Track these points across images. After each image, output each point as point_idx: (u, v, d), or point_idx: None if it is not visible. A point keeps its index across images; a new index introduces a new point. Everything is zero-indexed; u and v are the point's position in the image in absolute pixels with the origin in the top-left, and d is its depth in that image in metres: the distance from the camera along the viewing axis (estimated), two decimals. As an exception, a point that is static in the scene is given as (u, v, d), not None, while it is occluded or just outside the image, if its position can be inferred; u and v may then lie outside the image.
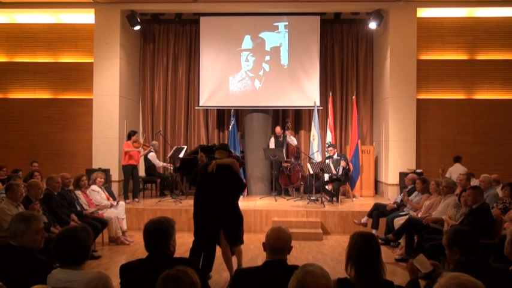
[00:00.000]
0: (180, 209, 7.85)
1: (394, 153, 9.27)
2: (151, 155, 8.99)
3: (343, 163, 8.71)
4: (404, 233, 5.77)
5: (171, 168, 9.46)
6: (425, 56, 9.67)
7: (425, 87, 9.64)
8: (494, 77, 9.66)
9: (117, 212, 6.72)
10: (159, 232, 2.53)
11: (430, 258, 2.64)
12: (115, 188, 9.00)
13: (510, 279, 2.55)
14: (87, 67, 9.81)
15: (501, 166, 9.19)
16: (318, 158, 9.30)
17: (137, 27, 9.71)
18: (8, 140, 10.06)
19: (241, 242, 4.93)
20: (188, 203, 8.19)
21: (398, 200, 6.94)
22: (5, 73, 10.07)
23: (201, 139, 10.70)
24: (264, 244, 2.56)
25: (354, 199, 9.16)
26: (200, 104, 10.03)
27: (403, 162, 9.17)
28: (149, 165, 9.09)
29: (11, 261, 2.57)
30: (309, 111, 10.28)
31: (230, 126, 9.60)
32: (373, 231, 6.60)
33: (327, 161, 8.75)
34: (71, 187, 6.34)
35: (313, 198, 8.53)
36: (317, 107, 9.63)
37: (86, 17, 9.75)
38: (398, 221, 6.17)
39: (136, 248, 6.41)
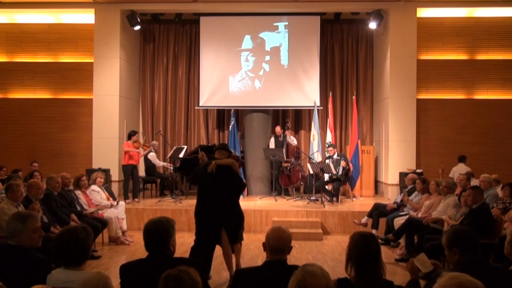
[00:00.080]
0: (180, 209, 7.85)
1: (394, 153, 9.27)
2: (152, 155, 8.99)
3: (343, 163, 8.71)
4: (404, 233, 5.77)
5: (171, 168, 9.46)
6: (425, 56, 9.67)
7: (425, 87, 9.64)
8: (494, 77, 9.66)
9: (117, 212, 6.72)
10: (159, 232, 2.53)
11: (430, 258, 2.64)
12: (115, 188, 9.00)
13: (510, 279, 2.54)
14: (87, 67, 9.81)
15: (501, 166, 9.19)
16: (318, 158, 9.30)
17: (137, 27, 9.71)
18: (8, 140, 10.06)
19: (241, 239, 4.94)
20: (188, 203, 8.20)
21: (398, 200, 6.94)
22: (5, 73, 10.07)
23: (201, 139, 10.70)
24: (264, 244, 2.56)
25: (354, 199, 9.16)
26: (200, 104, 10.03)
27: (403, 162, 9.17)
28: (149, 165, 9.09)
29: (10, 261, 2.57)
30: (309, 111, 10.28)
31: (230, 126, 9.60)
32: (373, 231, 6.60)
33: (327, 161, 8.75)
34: (71, 187, 6.34)
35: (313, 198, 8.53)
36: (317, 107, 9.63)
37: (86, 17, 9.75)
38: (398, 221, 6.17)
39: (136, 248, 6.41)
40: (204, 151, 8.95)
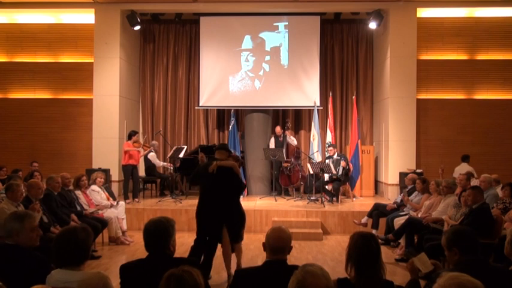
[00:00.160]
0: (180, 209, 7.85)
1: (394, 153, 9.27)
2: (152, 155, 8.99)
3: (343, 163, 8.71)
4: (404, 233, 5.78)
5: (171, 168, 9.46)
6: (425, 56, 9.67)
7: (425, 87, 9.64)
8: (494, 77, 9.66)
9: (117, 212, 6.72)
10: (159, 232, 2.53)
11: (430, 258, 2.64)
12: (115, 188, 9.00)
13: (510, 279, 2.54)
14: (87, 67, 9.81)
15: (501, 166, 9.19)
16: (318, 158, 9.30)
17: (137, 27, 9.71)
18: (8, 140, 10.06)
19: (242, 238, 4.95)
20: (188, 203, 8.20)
21: (398, 200, 6.94)
22: (5, 73, 10.07)
23: (201, 139, 10.70)
24: (264, 244, 2.56)
25: (354, 199, 9.16)
26: (200, 104, 10.03)
27: (403, 162, 9.17)
28: (149, 165, 9.08)
29: (8, 261, 2.57)
30: (309, 111, 10.28)
31: (230, 126, 9.60)
32: (373, 231, 6.59)
33: (327, 161, 8.75)
34: (71, 187, 6.34)
35: (313, 198, 8.53)
36: (317, 107, 9.63)
37: (86, 17, 9.75)
38: (398, 221, 6.17)
39: (136, 248, 6.41)
40: (204, 151, 9.00)
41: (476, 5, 9.45)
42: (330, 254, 6.25)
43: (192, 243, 4.78)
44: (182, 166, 9.09)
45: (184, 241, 6.46)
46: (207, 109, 10.57)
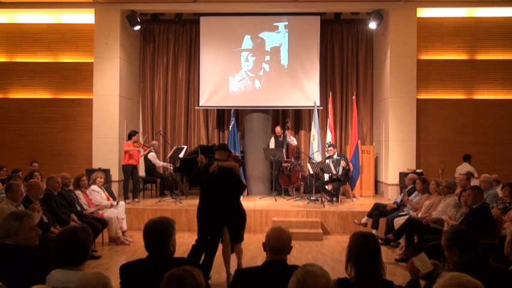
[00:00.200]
0: (180, 209, 7.85)
1: (394, 153, 9.27)
2: (152, 155, 8.99)
3: (343, 163, 8.71)
4: (404, 233, 5.77)
5: (171, 168, 9.46)
6: (425, 56, 9.67)
7: (425, 87, 9.64)
8: (494, 77, 9.66)
9: (117, 212, 6.72)
10: (159, 232, 2.53)
11: (430, 258, 2.64)
12: (115, 188, 9.00)
13: (510, 279, 2.54)
14: (87, 67, 9.81)
15: (501, 166, 9.19)
16: (318, 158, 9.30)
17: (137, 27, 9.71)
18: (8, 140, 10.06)
19: (242, 239, 4.95)
20: (188, 203, 8.20)
21: (398, 200, 6.94)
22: (5, 73, 10.07)
23: (201, 139, 10.70)
24: (264, 244, 2.56)
25: (354, 199, 9.16)
26: (200, 104, 10.03)
27: (403, 162, 9.17)
28: (149, 165, 9.08)
29: (8, 260, 2.57)
30: (309, 111, 10.27)
31: (230, 126, 9.60)
32: (373, 231, 6.59)
33: (327, 161, 8.75)
34: (71, 187, 6.34)
35: (313, 198, 8.53)
36: (317, 107, 9.63)
37: (86, 17, 9.75)
38: (398, 221, 6.17)
39: (136, 248, 6.41)
40: (204, 151, 9.01)
41: (476, 5, 9.45)
42: (330, 254, 6.25)
43: (194, 243, 4.78)
44: (182, 166, 9.09)
45: (184, 241, 6.46)
46: (207, 109, 10.57)
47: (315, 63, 9.83)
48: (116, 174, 9.26)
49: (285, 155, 9.15)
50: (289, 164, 9.30)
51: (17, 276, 2.48)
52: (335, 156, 8.87)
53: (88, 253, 2.43)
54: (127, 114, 9.95)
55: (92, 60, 9.58)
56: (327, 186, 8.70)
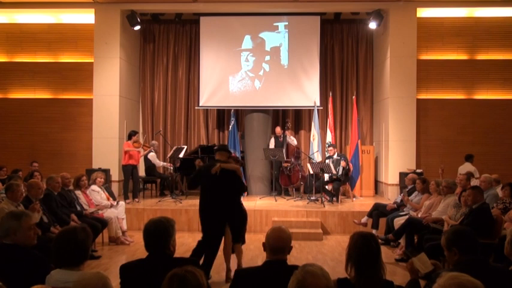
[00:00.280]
0: (180, 209, 7.84)
1: (394, 153, 9.27)
2: (152, 155, 8.99)
3: (343, 163, 8.71)
4: (404, 233, 5.77)
5: (171, 168, 9.46)
6: (425, 56, 9.67)
7: (425, 87, 9.64)
8: (494, 77, 9.66)
9: (117, 212, 6.72)
10: (159, 232, 2.53)
11: (430, 258, 2.64)
12: (115, 188, 9.00)
13: (510, 279, 2.54)
14: (87, 67, 9.81)
15: (501, 166, 9.18)
16: (318, 158, 9.30)
17: (137, 27, 9.70)
18: (8, 140, 10.06)
19: (243, 241, 4.94)
20: (188, 203, 8.20)
21: (398, 200, 6.94)
22: (5, 73, 10.06)
23: (201, 139, 10.70)
24: (264, 244, 2.56)
25: (354, 199, 9.16)
26: (200, 104, 10.03)
27: (403, 162, 9.17)
28: (149, 165, 9.09)
29: (7, 260, 2.57)
30: (309, 111, 10.27)
31: (230, 126, 9.60)
32: (373, 231, 6.59)
33: (327, 161, 8.75)
34: (71, 187, 6.34)
35: (313, 198, 8.53)
36: (317, 107, 9.63)
37: (86, 17, 9.75)
38: (398, 221, 6.17)
39: (136, 248, 6.41)
40: (204, 151, 9.02)
41: (476, 5, 9.45)
42: (330, 254, 6.25)
43: (195, 242, 4.78)
44: (182, 166, 9.09)
45: (184, 241, 6.46)
46: (207, 109, 10.57)
47: (315, 63, 9.83)
48: (116, 174, 9.26)
49: (285, 155, 9.15)
50: (289, 164, 9.30)
51: (17, 276, 2.47)
52: (335, 156, 8.87)
53: (88, 253, 2.43)
54: (127, 114, 9.95)
55: (92, 60, 9.58)
56: (327, 186, 8.70)
